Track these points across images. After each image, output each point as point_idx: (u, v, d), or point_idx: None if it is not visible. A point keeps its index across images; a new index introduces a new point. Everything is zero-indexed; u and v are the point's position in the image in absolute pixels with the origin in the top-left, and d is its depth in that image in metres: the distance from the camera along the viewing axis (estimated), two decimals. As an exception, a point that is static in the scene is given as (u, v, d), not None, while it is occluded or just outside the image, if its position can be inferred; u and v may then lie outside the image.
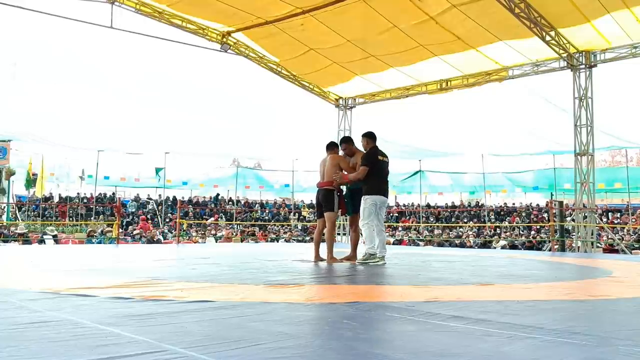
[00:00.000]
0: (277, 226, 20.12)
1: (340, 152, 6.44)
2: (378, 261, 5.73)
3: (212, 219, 20.86)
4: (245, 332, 2.05)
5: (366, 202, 5.84)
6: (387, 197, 6.06)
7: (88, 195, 21.60)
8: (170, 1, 11.47)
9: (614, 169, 25.28)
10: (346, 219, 6.81)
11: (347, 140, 6.44)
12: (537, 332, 2.13)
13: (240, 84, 17.98)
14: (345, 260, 6.15)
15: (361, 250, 6.28)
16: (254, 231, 17.78)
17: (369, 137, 6.06)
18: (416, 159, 20.54)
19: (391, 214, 22.34)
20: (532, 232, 18.13)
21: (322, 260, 6.05)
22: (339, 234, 14.87)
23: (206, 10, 11.62)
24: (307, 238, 17.00)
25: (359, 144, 6.32)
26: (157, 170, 20.70)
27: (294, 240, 16.48)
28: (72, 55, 15.73)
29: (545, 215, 19.15)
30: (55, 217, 19.71)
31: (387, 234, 17.65)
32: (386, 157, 6.07)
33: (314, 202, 6.60)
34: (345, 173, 6.00)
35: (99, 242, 11.95)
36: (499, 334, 2.07)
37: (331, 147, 6.36)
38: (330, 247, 6.05)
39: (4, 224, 14.92)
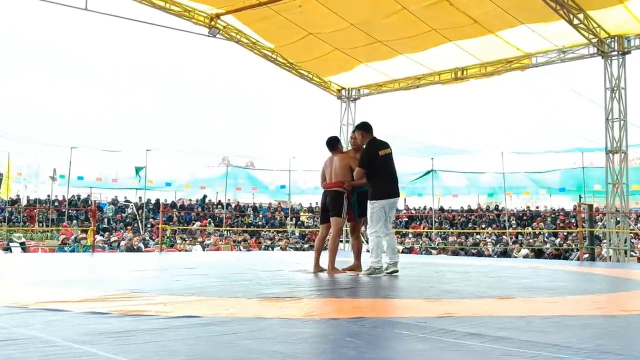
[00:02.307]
0: (272, 232, 20.13)
1: (345, 146, 6.39)
2: (382, 274, 5.69)
3: (199, 224, 20.87)
4: (237, 351, 2.06)
5: (374, 207, 5.72)
6: (397, 197, 5.95)
7: (60, 198, 21.61)
8: (152, -20, 11.49)
9: (650, 168, 25.25)
10: (348, 225, 6.75)
11: (361, 128, 6.06)
12: (563, 351, 2.13)
13: (230, 73, 18.02)
14: (349, 271, 6.16)
15: (365, 260, 6.28)
16: (246, 238, 17.79)
17: (363, 129, 5.88)
18: (428, 157, 20.54)
19: (400, 219, 22.37)
20: (558, 240, 18.14)
21: (322, 270, 6.05)
22: (340, 241, 14.89)
23: (192, -10, 11.65)
24: (306, 246, 17.01)
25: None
26: (138, 169, 20.69)
27: (291, 248, 16.49)
28: (43, 40, 15.75)
29: (573, 220, 19.16)
30: (23, 222, 19.72)
31: (396, 241, 17.66)
32: (388, 147, 5.88)
33: (316, 205, 6.55)
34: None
35: (72, 250, 11.95)
36: (520, 354, 2.07)
37: (335, 144, 6.27)
38: (333, 256, 6.02)
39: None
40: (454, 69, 13.63)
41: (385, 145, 5.89)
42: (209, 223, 21.44)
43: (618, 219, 11.57)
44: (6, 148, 18.23)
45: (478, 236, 18.50)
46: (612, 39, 11.40)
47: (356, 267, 6.27)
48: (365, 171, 5.71)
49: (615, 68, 11.39)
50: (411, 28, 11.83)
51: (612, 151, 11.34)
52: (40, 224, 19.65)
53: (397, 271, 5.72)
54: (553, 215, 21.79)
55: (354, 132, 6.40)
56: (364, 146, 5.90)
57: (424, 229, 21.03)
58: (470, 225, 21.69)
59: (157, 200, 22.02)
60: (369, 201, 5.80)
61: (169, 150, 20.54)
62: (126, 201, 22.88)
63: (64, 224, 18.65)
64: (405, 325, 2.69)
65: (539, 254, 14.43)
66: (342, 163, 6.04)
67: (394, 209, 6.02)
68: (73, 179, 19.92)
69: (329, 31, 12.56)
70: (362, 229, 6.71)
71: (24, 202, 20.81)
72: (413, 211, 23.75)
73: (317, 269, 6.10)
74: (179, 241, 16.38)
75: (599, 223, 12.27)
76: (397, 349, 2.21)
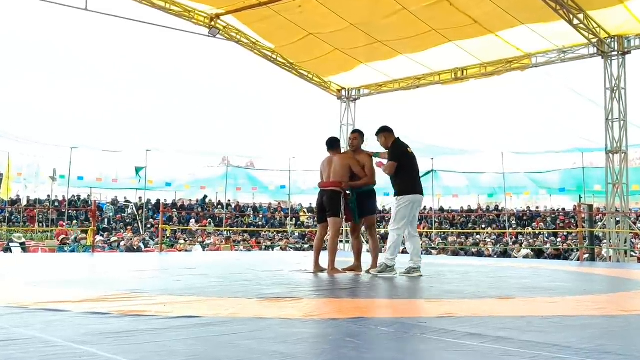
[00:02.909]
0: (272, 232, 20.12)
1: (341, 147, 6.35)
2: (394, 273, 5.64)
3: (197, 222, 20.87)
4: (236, 351, 2.06)
5: (401, 203, 5.65)
6: (423, 195, 5.95)
7: (60, 198, 21.60)
8: (152, -20, 11.49)
9: (650, 168, 25.23)
10: (348, 225, 6.74)
11: (384, 130, 5.99)
12: (563, 351, 2.13)
13: (230, 73, 18.03)
14: (349, 271, 6.16)
15: (366, 261, 6.28)
16: (246, 238, 17.79)
17: (386, 131, 5.93)
18: (428, 157, 20.54)
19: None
20: (559, 240, 18.14)
21: (322, 270, 6.05)
22: (340, 241, 14.88)
23: (192, -10, 11.65)
24: (306, 246, 17.00)
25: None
26: (138, 169, 20.69)
27: (291, 248, 16.48)
28: (43, 40, 15.76)
29: (573, 220, 19.16)
30: (23, 222, 19.72)
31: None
32: (410, 148, 5.95)
33: (315, 205, 6.46)
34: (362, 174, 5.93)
35: (72, 251, 11.94)
36: (520, 354, 2.07)
37: (334, 145, 6.28)
38: (332, 256, 6.01)
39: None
40: (454, 69, 13.62)
41: (408, 146, 5.94)
42: (209, 223, 21.45)
43: (618, 219, 11.57)
44: (6, 148, 18.25)
45: (478, 236, 18.50)
46: (612, 39, 11.40)
47: (356, 267, 6.28)
48: (397, 164, 5.70)
49: (615, 68, 11.39)
50: (411, 28, 11.82)
51: (612, 151, 11.34)
52: (40, 224, 19.65)
53: (421, 275, 5.67)
54: (553, 216, 21.79)
55: (353, 133, 6.42)
56: (391, 145, 5.87)
57: (424, 229, 21.02)
58: (470, 225, 21.69)
59: (158, 201, 22.02)
60: (396, 197, 5.73)
61: (169, 150, 20.55)
62: (126, 201, 22.88)
63: (61, 222, 18.64)
64: (406, 325, 2.69)
65: (539, 254, 14.43)
66: (342, 162, 6.04)
67: (419, 208, 5.99)
68: (73, 179, 19.91)
69: (329, 31, 12.56)
70: (362, 229, 6.71)
71: (24, 203, 20.81)
72: (413, 211, 23.71)
73: (317, 268, 6.10)
74: (181, 242, 16.37)
75: (599, 223, 12.26)
76: (397, 349, 2.21)
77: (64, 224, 18.37)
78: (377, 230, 6.35)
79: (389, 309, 3.53)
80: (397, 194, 5.75)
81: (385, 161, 5.94)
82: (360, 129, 6.56)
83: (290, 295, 3.85)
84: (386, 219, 19.13)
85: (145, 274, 5.90)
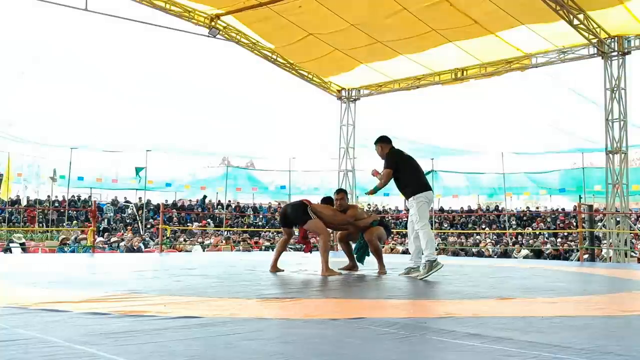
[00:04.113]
0: (272, 233, 20.13)
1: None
2: (440, 266, 5.52)
3: (199, 224, 20.88)
4: (236, 352, 2.05)
5: (420, 202, 5.63)
6: (433, 192, 5.91)
7: (60, 199, 21.61)
8: (152, -20, 11.50)
9: (650, 168, 25.23)
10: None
11: (381, 140, 6.12)
12: (564, 352, 2.12)
13: (230, 73, 18.01)
14: (345, 270, 6.18)
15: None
16: (246, 238, 17.78)
17: (384, 141, 5.92)
18: (428, 157, 20.57)
19: (400, 219, 22.38)
20: (559, 240, 18.15)
21: (279, 271, 6.02)
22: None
23: (192, -10, 11.66)
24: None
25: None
26: (138, 170, 20.70)
27: (291, 248, 16.46)
28: (43, 40, 15.76)
29: (573, 220, 19.16)
30: (23, 222, 19.73)
31: (396, 242, 17.68)
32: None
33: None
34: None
35: (72, 251, 11.94)
36: (521, 354, 2.07)
37: (326, 199, 6.43)
38: (326, 257, 5.86)
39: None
40: (454, 69, 13.62)
41: (404, 151, 5.96)
42: (209, 223, 21.45)
43: (618, 219, 11.57)
44: (6, 148, 18.24)
45: (478, 237, 18.50)
46: (612, 40, 11.40)
47: (352, 267, 6.30)
48: (393, 171, 5.70)
49: (615, 68, 11.40)
50: (411, 28, 11.83)
51: (612, 151, 11.34)
52: (41, 225, 19.65)
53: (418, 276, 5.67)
54: (553, 216, 21.79)
55: (337, 193, 6.32)
56: (387, 154, 5.87)
57: (424, 229, 21.00)
58: (470, 225, 21.70)
59: (158, 205, 22.01)
60: (412, 197, 5.69)
61: (169, 150, 20.55)
62: (126, 202, 22.89)
63: (89, 224, 18.66)
64: (406, 325, 2.69)
65: (539, 254, 14.43)
66: (325, 205, 6.16)
67: (431, 205, 5.97)
68: (73, 179, 19.92)
69: (329, 32, 12.57)
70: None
71: (24, 203, 20.82)
72: (413, 211, 23.71)
73: (274, 269, 6.05)
74: (183, 241, 16.36)
75: (599, 223, 12.26)
76: (398, 349, 2.21)
77: (91, 225, 18.38)
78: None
79: (388, 308, 3.53)
80: (410, 195, 5.72)
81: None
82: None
83: (291, 296, 3.85)
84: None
85: (145, 274, 5.90)
